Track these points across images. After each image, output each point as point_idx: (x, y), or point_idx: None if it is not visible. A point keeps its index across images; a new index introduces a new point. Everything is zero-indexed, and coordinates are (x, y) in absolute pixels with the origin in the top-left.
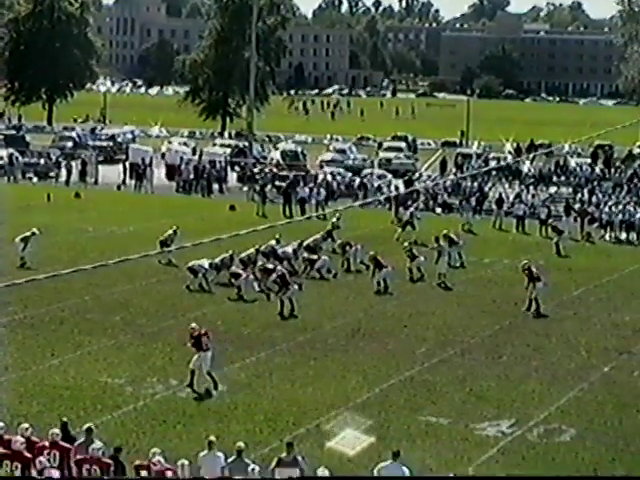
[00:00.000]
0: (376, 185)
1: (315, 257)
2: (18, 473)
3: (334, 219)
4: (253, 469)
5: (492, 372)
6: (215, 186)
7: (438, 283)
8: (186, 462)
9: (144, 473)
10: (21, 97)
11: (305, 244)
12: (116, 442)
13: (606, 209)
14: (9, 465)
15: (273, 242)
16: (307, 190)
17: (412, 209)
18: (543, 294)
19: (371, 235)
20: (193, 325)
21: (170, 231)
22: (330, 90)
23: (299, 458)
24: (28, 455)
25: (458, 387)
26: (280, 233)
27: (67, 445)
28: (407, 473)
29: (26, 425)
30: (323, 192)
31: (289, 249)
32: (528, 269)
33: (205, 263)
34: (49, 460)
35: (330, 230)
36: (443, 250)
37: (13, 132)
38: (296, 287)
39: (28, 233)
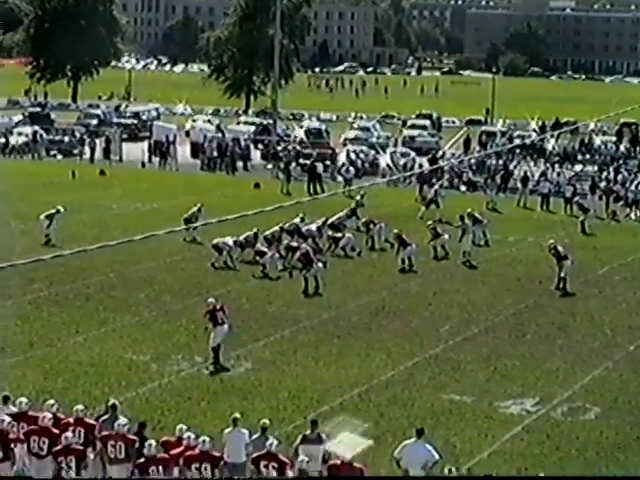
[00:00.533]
0: (401, 163)
1: (339, 235)
2: (45, 449)
3: (358, 197)
4: (271, 443)
5: (516, 350)
6: (239, 164)
7: (463, 261)
8: (207, 439)
9: (173, 451)
10: (46, 75)
11: (329, 222)
12: (141, 419)
13: (632, 187)
14: (36, 441)
15: (297, 220)
16: (321, 167)
17: (436, 187)
18: (571, 272)
19: (395, 213)
20: (210, 300)
21: (194, 208)
22: (342, 67)
23: (323, 436)
24: (55, 431)
25: (482, 365)
26: (304, 211)
27: (92, 422)
28: (431, 451)
29: (52, 401)
30: (352, 170)
31: (313, 227)
32: (554, 248)
33: (230, 241)
34: (74, 437)
35: (354, 208)
36: (467, 228)
37: (38, 110)
38: (320, 265)
39: (53, 210)
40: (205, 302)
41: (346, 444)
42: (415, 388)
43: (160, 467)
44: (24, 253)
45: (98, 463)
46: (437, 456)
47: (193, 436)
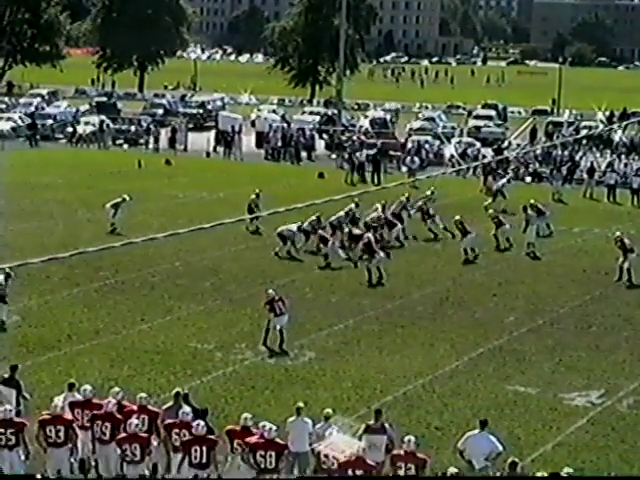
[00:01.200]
0: (467, 153)
1: (357, 232)
2: (108, 434)
3: (428, 192)
4: (331, 432)
5: (582, 342)
6: (304, 154)
7: (527, 252)
8: (268, 425)
9: (236, 441)
10: (113, 64)
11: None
12: (205, 407)
13: None
14: (99, 425)
15: (352, 205)
16: (364, 155)
17: (504, 180)
18: (636, 264)
19: (460, 203)
20: (270, 291)
21: (253, 196)
22: (388, 58)
23: (387, 425)
24: (119, 417)
25: (547, 357)
26: (369, 201)
27: (155, 409)
28: (495, 442)
29: (117, 389)
30: (417, 160)
31: (374, 215)
32: (621, 241)
33: (294, 227)
34: (138, 424)
35: (351, 210)
36: (531, 219)
37: (104, 99)
38: (383, 255)
39: (119, 199)
40: (265, 293)
41: (337, 446)
42: (479, 379)
43: (204, 447)
44: (91, 241)
45: (162, 450)
46: (501, 447)
47: (268, 426)
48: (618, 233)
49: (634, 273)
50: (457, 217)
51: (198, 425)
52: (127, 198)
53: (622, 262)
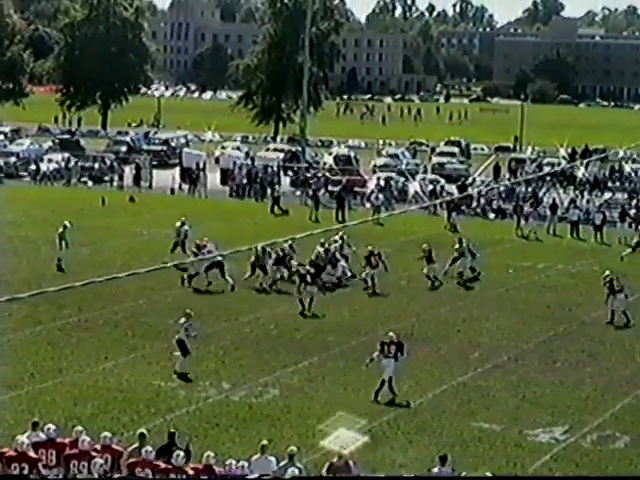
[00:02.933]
0: (429, 190)
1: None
2: (85, 472)
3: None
4: (300, 470)
5: (546, 378)
6: (268, 191)
7: (457, 281)
8: (234, 462)
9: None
10: (76, 102)
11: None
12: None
13: None
14: (76, 465)
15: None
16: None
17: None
18: (626, 306)
19: (424, 240)
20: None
21: (178, 223)
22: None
23: (351, 463)
24: (94, 454)
25: (512, 393)
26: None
27: (119, 448)
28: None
29: (80, 428)
30: (381, 197)
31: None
32: (610, 281)
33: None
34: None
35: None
36: (465, 252)
37: (68, 137)
38: (315, 288)
39: (60, 229)
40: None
41: (342, 441)
42: (444, 415)
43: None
44: (54, 279)
45: None
46: None
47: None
48: (608, 272)
49: (617, 316)
50: (424, 245)
51: (177, 456)
52: (68, 225)
53: (611, 303)
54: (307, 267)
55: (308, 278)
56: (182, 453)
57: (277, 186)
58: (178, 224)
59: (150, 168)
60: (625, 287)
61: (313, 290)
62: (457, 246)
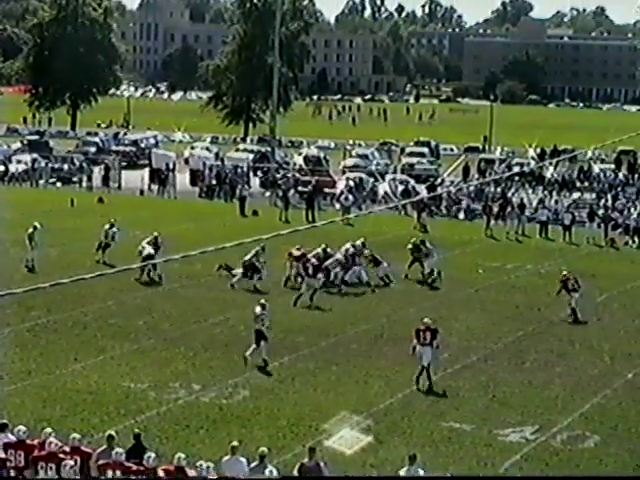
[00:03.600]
0: (400, 190)
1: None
2: (52, 474)
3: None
4: (271, 471)
5: (515, 378)
6: (237, 191)
7: (424, 280)
8: (205, 464)
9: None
10: (45, 102)
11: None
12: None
13: (630, 215)
14: (44, 467)
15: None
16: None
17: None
18: (581, 303)
19: (394, 240)
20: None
21: (107, 226)
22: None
23: (321, 463)
24: (62, 456)
25: (481, 393)
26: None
27: (88, 450)
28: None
29: (49, 429)
30: (351, 197)
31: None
32: (565, 281)
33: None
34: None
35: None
36: (431, 252)
37: (36, 137)
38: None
39: (30, 230)
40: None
41: (345, 441)
42: (414, 416)
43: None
44: (23, 281)
45: None
46: None
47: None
48: (565, 272)
49: (578, 311)
50: (366, 252)
51: (149, 457)
52: (38, 226)
53: (569, 301)
54: (312, 260)
55: (310, 270)
56: (153, 454)
57: (245, 186)
58: (107, 226)
59: (119, 169)
60: (580, 285)
61: (312, 282)
62: (423, 248)
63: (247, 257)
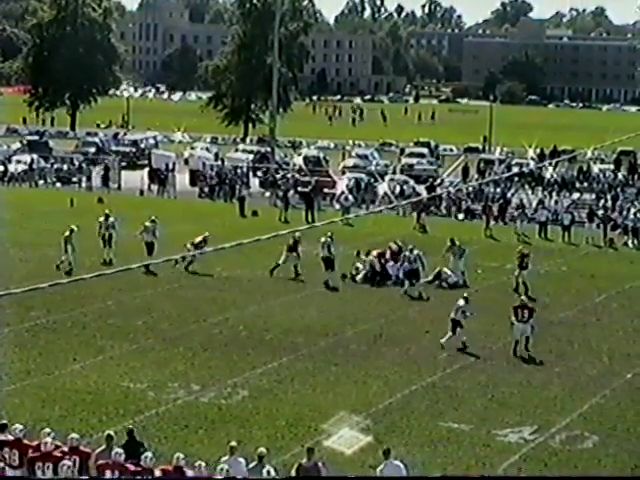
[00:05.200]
0: (398, 191)
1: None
2: (50, 473)
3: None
4: (268, 471)
5: (514, 378)
6: (237, 191)
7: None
8: (203, 464)
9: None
10: (45, 103)
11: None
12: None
13: (629, 215)
14: (41, 467)
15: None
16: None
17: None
18: (526, 278)
19: (394, 241)
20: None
21: (200, 238)
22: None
23: (320, 464)
24: (58, 454)
25: (480, 393)
26: (302, 239)
27: (87, 450)
28: (402, 468)
29: (48, 430)
30: (350, 198)
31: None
32: (521, 256)
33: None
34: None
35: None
36: (456, 252)
37: (36, 138)
38: None
39: (67, 232)
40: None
41: (345, 441)
42: (413, 416)
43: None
44: (22, 281)
45: None
46: (404, 472)
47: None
48: (521, 247)
49: (530, 288)
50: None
51: (146, 457)
52: (75, 229)
53: (517, 275)
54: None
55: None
56: (150, 454)
57: (244, 186)
58: (102, 218)
59: (119, 169)
60: (531, 263)
61: (328, 275)
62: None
63: (323, 252)
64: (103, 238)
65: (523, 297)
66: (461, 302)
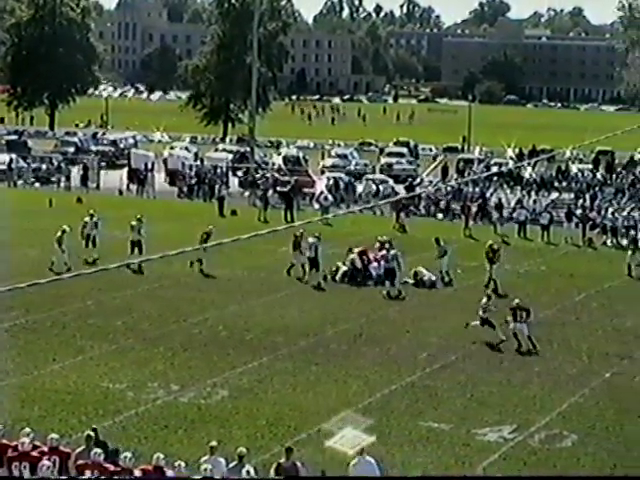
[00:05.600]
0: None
1: None
2: (27, 473)
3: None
4: (248, 471)
5: (493, 378)
6: (217, 191)
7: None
8: (183, 463)
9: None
10: (23, 102)
11: None
12: (117, 447)
13: (608, 215)
14: (18, 466)
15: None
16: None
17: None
18: (500, 275)
19: (373, 240)
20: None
21: (59, 233)
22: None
23: (298, 463)
24: (36, 454)
25: (460, 392)
26: (281, 239)
27: (66, 450)
28: (375, 465)
29: (28, 430)
30: (330, 197)
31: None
32: (492, 251)
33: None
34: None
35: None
36: (447, 250)
37: (14, 137)
38: None
39: (59, 233)
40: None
41: (347, 441)
42: (393, 415)
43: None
44: (1, 280)
45: None
46: (378, 471)
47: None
48: (491, 241)
49: (499, 284)
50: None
51: (125, 457)
52: (67, 229)
53: (489, 270)
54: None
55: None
56: (129, 454)
57: (223, 186)
58: (87, 218)
59: (98, 169)
60: (499, 259)
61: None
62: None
63: (310, 253)
64: (87, 238)
65: (516, 300)
66: (484, 300)
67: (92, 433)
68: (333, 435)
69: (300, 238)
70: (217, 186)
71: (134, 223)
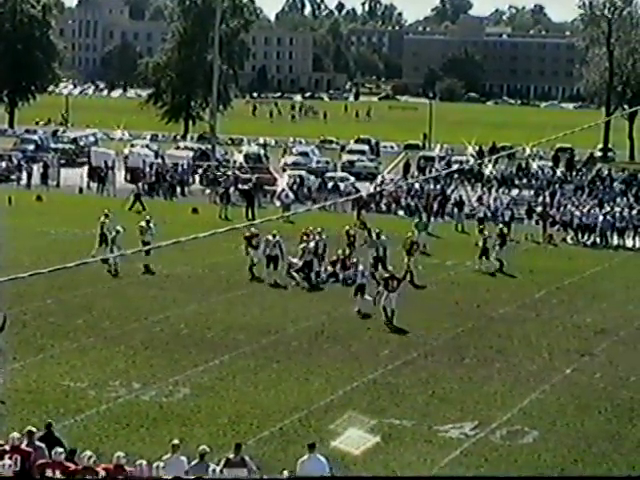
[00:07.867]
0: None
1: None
2: None
3: None
4: (214, 470)
5: (455, 374)
6: (178, 189)
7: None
8: (144, 462)
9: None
10: None
11: None
12: (79, 446)
13: (568, 212)
14: None
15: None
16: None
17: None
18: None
19: (334, 237)
20: None
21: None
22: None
23: (246, 458)
24: None
25: (421, 389)
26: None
27: (28, 449)
28: (325, 463)
29: None
30: (291, 195)
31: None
32: (410, 244)
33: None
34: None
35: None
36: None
37: None
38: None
39: (113, 233)
40: None
41: (352, 441)
42: (354, 413)
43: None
44: None
45: None
46: (328, 469)
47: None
48: (410, 234)
49: (415, 273)
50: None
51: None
52: (121, 230)
53: (407, 263)
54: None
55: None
56: (89, 452)
57: (139, 184)
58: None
59: (58, 167)
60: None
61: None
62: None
63: (272, 251)
64: (104, 239)
65: (386, 274)
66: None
67: (34, 429)
68: (338, 435)
69: (253, 238)
70: (140, 184)
71: (143, 224)
